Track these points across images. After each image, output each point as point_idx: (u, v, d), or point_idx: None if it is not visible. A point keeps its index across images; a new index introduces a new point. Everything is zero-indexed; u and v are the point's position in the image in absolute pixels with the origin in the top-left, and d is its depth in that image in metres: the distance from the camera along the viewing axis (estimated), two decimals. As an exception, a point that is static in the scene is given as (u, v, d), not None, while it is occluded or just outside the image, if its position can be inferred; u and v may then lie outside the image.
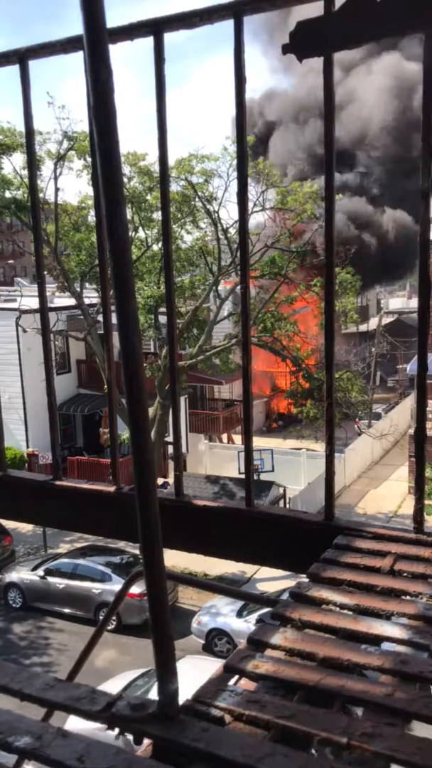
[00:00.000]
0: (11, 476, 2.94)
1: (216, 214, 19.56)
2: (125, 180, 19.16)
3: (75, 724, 1.91)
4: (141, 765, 1.08)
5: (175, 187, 19.25)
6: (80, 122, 18.98)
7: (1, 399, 5.36)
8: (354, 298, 22.32)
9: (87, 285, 20.73)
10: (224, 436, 30.01)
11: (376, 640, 1.52)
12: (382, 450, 28.75)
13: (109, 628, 14.18)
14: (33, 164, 2.77)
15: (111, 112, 0.97)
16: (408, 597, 1.72)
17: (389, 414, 31.44)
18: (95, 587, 17.34)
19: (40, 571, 18.28)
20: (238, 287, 2.67)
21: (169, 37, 2.17)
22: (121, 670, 14.15)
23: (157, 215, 19.38)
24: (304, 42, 1.91)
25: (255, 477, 5.23)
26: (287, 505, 21.12)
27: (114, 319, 1.07)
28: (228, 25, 2.08)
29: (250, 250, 17.93)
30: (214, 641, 15.61)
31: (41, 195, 18.23)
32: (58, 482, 2.78)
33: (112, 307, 1.13)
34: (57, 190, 19.36)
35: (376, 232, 35.29)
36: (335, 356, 2.30)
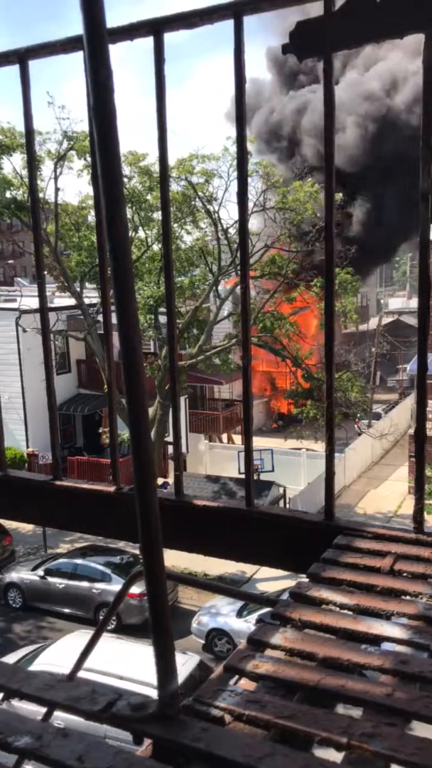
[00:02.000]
0: (11, 476, 2.94)
1: (216, 214, 19.57)
2: (125, 180, 19.16)
3: None
4: (141, 765, 1.08)
5: (175, 187, 19.26)
6: (80, 122, 19.01)
7: (1, 399, 5.36)
8: (354, 298, 22.34)
9: (87, 285, 20.73)
10: (224, 436, 30.01)
11: (376, 640, 1.52)
12: (382, 450, 28.74)
13: (109, 628, 14.22)
14: (33, 164, 2.77)
15: (111, 112, 0.96)
16: (408, 597, 1.72)
17: (389, 414, 31.44)
18: (95, 587, 17.33)
19: (40, 571, 18.27)
20: (238, 287, 2.68)
21: (169, 37, 2.17)
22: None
23: (157, 215, 19.39)
24: (304, 42, 1.91)
25: (255, 477, 5.23)
26: (287, 505, 21.12)
27: (114, 319, 1.07)
28: (228, 25, 2.08)
29: (250, 250, 17.94)
30: (214, 641, 15.61)
31: (41, 195, 18.23)
32: (58, 482, 2.78)
33: (112, 307, 1.13)
34: (57, 190, 19.38)
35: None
36: (335, 356, 2.30)
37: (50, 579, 17.99)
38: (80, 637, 13.86)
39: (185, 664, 12.61)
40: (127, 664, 11.59)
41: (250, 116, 36.59)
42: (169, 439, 21.00)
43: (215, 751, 1.09)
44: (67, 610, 17.56)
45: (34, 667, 12.37)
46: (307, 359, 21.19)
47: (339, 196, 25.52)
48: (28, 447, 25.53)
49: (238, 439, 28.81)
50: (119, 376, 1.12)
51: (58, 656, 12.68)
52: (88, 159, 16.38)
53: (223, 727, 1.22)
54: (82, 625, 16.35)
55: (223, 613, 15.81)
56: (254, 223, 20.32)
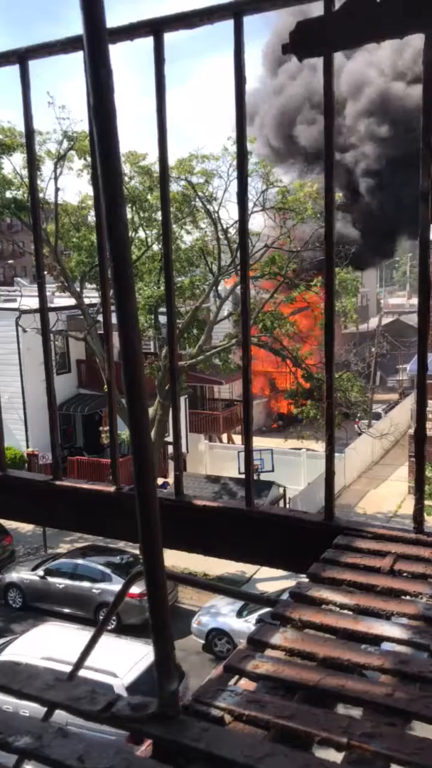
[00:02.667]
0: (11, 476, 2.94)
1: (216, 214, 19.56)
2: (125, 180, 19.16)
3: None
4: (141, 765, 1.08)
5: (175, 187, 19.25)
6: (80, 122, 19.00)
7: (1, 399, 5.36)
8: (354, 298, 22.35)
9: (87, 285, 20.73)
10: (224, 436, 30.00)
11: (376, 640, 1.52)
12: (382, 450, 28.75)
13: (109, 628, 14.27)
14: (33, 164, 2.77)
15: (111, 112, 0.96)
16: (408, 597, 1.72)
17: (389, 414, 31.44)
18: (95, 587, 17.33)
19: (40, 571, 18.26)
20: (238, 287, 2.69)
21: (169, 37, 2.17)
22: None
23: (158, 215, 19.38)
24: (304, 42, 1.91)
25: (255, 477, 5.23)
26: (287, 505, 21.12)
27: (114, 319, 1.07)
28: (228, 25, 2.08)
29: (250, 250, 17.93)
30: (214, 641, 15.60)
31: (41, 195, 18.23)
32: (58, 482, 2.78)
33: (112, 307, 1.13)
34: (57, 190, 19.37)
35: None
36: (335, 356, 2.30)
37: (50, 579, 17.99)
38: (49, 628, 14.49)
39: (149, 654, 12.92)
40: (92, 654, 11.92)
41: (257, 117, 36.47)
42: (169, 439, 20.99)
43: (215, 751, 1.09)
44: (67, 610, 17.55)
45: (0, 657, 12.73)
46: (307, 359, 21.19)
47: (339, 196, 25.49)
48: (28, 447, 25.52)
49: (238, 439, 28.80)
50: (119, 376, 1.12)
51: (24, 647, 13.22)
52: (88, 159, 16.37)
53: (223, 727, 1.22)
54: (85, 626, 16.43)
55: (223, 613, 15.80)
56: (254, 223, 20.32)
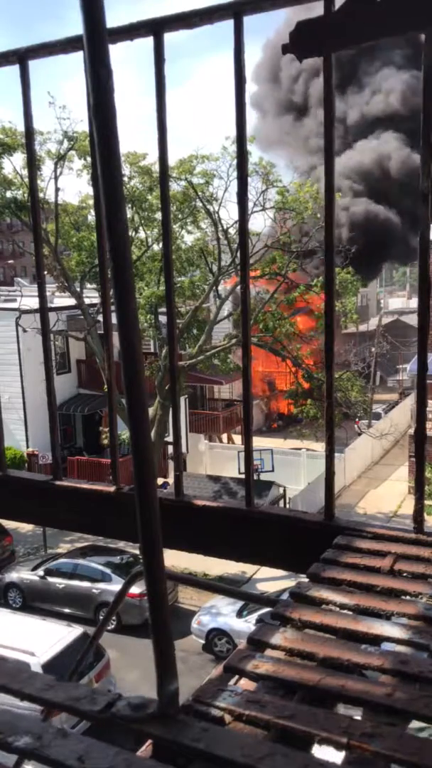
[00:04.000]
0: (11, 476, 2.94)
1: (216, 214, 19.56)
2: (125, 180, 19.15)
3: None
4: (141, 765, 1.08)
5: (175, 187, 19.25)
6: (80, 122, 19.00)
7: (1, 399, 5.37)
8: (354, 298, 22.35)
9: (87, 285, 20.72)
10: (224, 436, 30.00)
11: (376, 640, 1.52)
12: (382, 450, 28.74)
13: (109, 628, 14.28)
14: (33, 164, 2.77)
15: (111, 112, 0.96)
16: (408, 597, 1.72)
17: (389, 414, 31.43)
18: (95, 587, 17.33)
19: (40, 571, 18.26)
20: (238, 287, 2.69)
21: (169, 37, 2.17)
22: (121, 670, 14.20)
23: (158, 215, 19.37)
24: (304, 42, 1.91)
25: (255, 477, 5.23)
26: (287, 505, 21.11)
27: (114, 319, 1.07)
28: (228, 25, 2.08)
29: (250, 250, 17.92)
30: (214, 641, 15.60)
31: (41, 195, 18.22)
32: (58, 482, 2.78)
33: (112, 307, 1.13)
34: (57, 190, 19.38)
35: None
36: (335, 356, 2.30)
37: (50, 579, 17.98)
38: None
39: (67, 635, 13.42)
40: (7, 633, 12.69)
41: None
42: (169, 439, 20.99)
43: (215, 751, 1.09)
44: (67, 610, 17.53)
45: None
46: (307, 359, 21.19)
47: (339, 195, 25.47)
48: (28, 447, 25.52)
49: (238, 439, 28.80)
50: (119, 376, 1.12)
51: None
52: (88, 159, 16.37)
53: (223, 727, 1.22)
54: (85, 626, 16.42)
55: (223, 613, 15.80)
56: (254, 223, 20.30)
